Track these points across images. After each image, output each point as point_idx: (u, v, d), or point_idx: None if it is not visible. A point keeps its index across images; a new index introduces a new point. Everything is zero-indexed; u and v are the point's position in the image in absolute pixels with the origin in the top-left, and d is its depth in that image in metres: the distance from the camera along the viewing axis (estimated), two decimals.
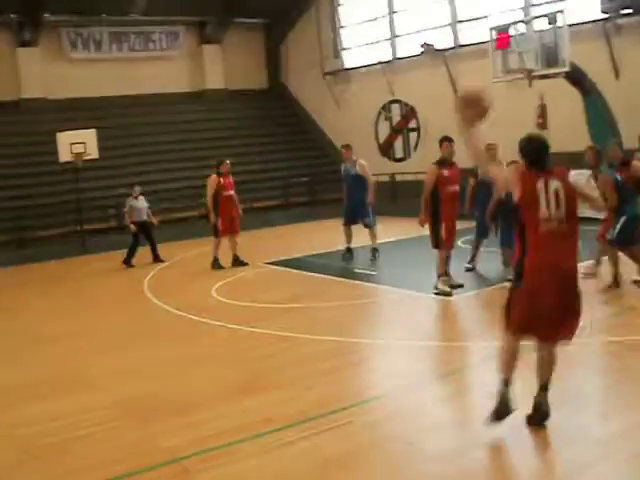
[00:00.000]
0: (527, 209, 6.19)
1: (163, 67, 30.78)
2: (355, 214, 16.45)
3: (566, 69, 18.09)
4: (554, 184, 6.18)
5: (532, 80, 18.87)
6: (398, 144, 28.66)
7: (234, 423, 7.10)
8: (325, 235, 20.56)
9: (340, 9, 30.97)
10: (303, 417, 7.11)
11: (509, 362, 6.37)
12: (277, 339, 10.18)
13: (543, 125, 22.33)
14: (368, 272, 14.79)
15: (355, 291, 13.37)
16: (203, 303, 12.90)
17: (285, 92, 34.09)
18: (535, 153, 6.37)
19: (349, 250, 16.47)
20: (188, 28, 31.69)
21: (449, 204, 12.07)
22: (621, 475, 5.82)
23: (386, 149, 29.00)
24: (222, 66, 32.36)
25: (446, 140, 12.29)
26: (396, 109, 28.56)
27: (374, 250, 16.07)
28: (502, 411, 6.33)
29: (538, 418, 6.41)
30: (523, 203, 6.20)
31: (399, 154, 28.59)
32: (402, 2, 28.14)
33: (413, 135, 27.98)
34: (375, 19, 29.13)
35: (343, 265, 15.87)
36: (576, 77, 18.79)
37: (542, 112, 22.37)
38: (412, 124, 27.94)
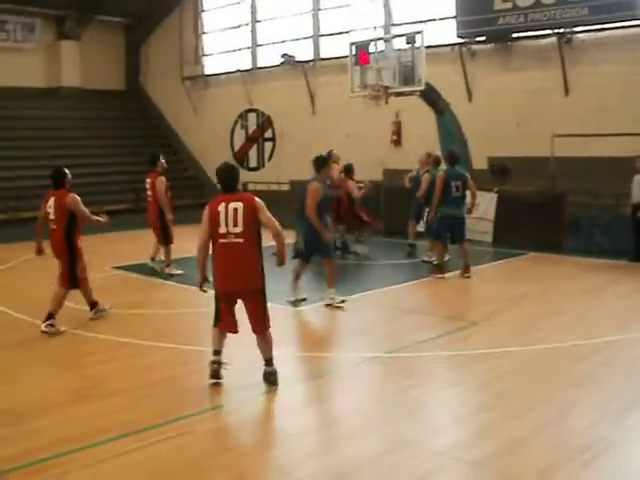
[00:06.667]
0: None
1: (16, 59, 29.37)
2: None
3: (421, 88, 18.37)
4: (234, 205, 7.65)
5: (388, 97, 19.07)
6: (252, 153, 28.57)
7: (68, 432, 6.71)
8: (176, 242, 20.20)
9: (204, 14, 30.68)
10: (141, 426, 6.82)
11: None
12: (118, 345, 9.80)
13: (398, 142, 22.75)
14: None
15: (202, 299, 13.07)
16: (46, 307, 12.29)
17: (142, 94, 33.43)
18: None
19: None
20: (46, 21, 30.38)
21: None
22: None
23: (240, 158, 28.85)
24: (79, 64, 31.23)
25: None
26: (252, 118, 28.49)
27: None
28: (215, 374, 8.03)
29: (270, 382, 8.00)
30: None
31: (253, 163, 28.51)
32: (265, 12, 28.09)
33: (268, 145, 27.96)
34: (238, 27, 28.97)
35: (190, 272, 15.48)
36: (431, 97, 19.12)
37: (397, 129, 22.77)
38: (268, 134, 27.93)
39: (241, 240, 7.59)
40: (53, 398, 7.74)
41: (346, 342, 10.07)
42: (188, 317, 11.55)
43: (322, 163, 11.96)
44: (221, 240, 7.63)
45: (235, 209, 7.58)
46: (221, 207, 7.62)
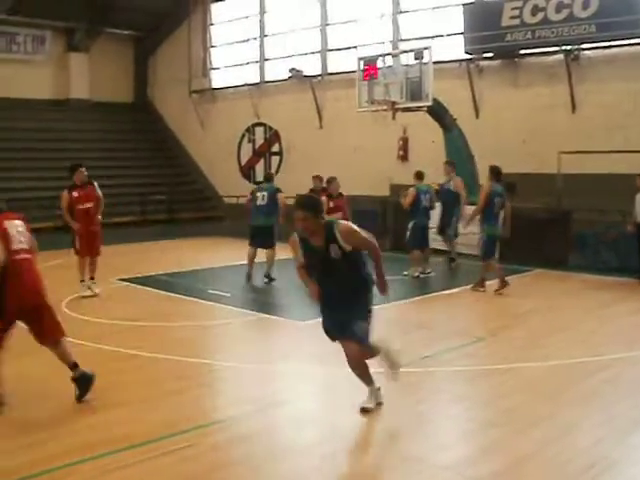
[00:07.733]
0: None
1: (26, 71, 29.54)
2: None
3: (429, 104, 18.39)
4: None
5: (396, 112, 19.10)
6: (259, 167, 28.58)
7: (72, 443, 6.68)
8: (180, 254, 20.25)
9: (212, 28, 30.82)
10: (146, 438, 6.79)
11: None
12: (125, 357, 9.80)
13: (405, 158, 22.76)
14: (222, 294, 14.53)
15: (208, 312, 13.14)
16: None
17: (150, 107, 33.58)
18: None
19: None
20: (55, 33, 30.56)
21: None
22: None
23: (247, 171, 28.89)
24: (88, 76, 31.43)
25: None
26: (260, 132, 28.54)
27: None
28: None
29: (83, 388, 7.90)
30: None
31: (260, 177, 28.43)
32: (274, 26, 28.20)
33: (275, 159, 27.99)
34: (246, 41, 29.10)
35: (197, 285, 15.57)
36: (438, 113, 19.14)
37: (404, 145, 22.79)
38: (275, 148, 27.97)
39: (29, 256, 7.95)
40: (57, 410, 7.72)
41: None
42: (190, 330, 11.56)
43: None
44: (14, 257, 7.75)
45: (19, 226, 8.07)
46: (7, 225, 7.93)
